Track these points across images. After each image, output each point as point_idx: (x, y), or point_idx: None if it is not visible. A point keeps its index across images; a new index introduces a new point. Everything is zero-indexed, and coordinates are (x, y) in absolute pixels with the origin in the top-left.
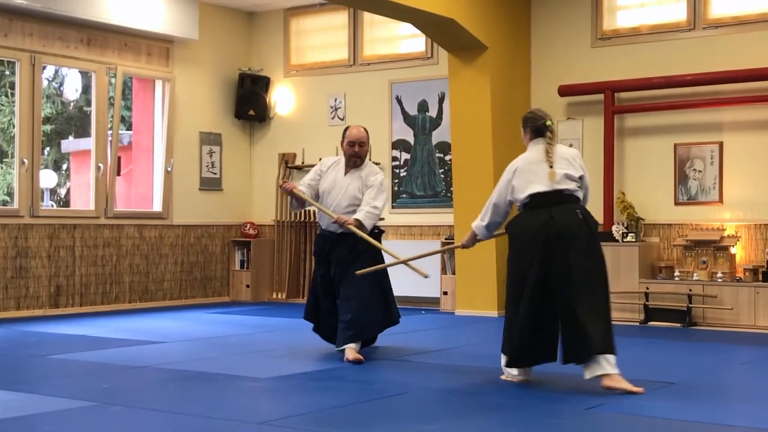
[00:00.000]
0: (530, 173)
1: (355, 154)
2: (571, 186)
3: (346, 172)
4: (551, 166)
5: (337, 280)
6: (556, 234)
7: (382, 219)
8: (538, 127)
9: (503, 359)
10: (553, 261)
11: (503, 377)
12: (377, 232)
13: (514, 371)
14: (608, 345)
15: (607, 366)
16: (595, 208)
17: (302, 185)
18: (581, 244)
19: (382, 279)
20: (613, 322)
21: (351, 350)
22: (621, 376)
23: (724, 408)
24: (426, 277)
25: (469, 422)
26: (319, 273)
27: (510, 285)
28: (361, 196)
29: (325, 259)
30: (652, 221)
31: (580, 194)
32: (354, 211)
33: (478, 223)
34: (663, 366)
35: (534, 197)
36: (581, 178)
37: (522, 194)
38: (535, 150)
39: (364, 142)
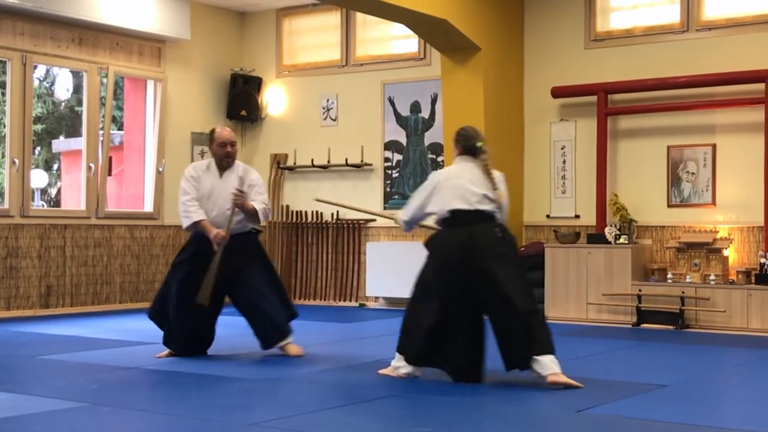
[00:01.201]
0: (453, 189)
1: (228, 155)
2: (490, 207)
3: (220, 175)
4: (495, 188)
5: (231, 283)
6: (476, 251)
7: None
8: (468, 147)
9: (399, 357)
10: (473, 276)
11: (383, 372)
12: (255, 232)
13: (407, 368)
14: (549, 347)
15: (552, 365)
16: (588, 209)
17: (193, 205)
18: (500, 258)
19: (276, 275)
20: (603, 324)
21: (292, 346)
22: (562, 372)
23: (717, 411)
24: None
25: (462, 424)
26: (183, 274)
27: (420, 291)
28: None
29: (203, 261)
30: (644, 223)
31: (498, 215)
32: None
33: (402, 217)
34: (655, 368)
35: (455, 214)
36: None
37: (443, 209)
38: (460, 166)
39: (234, 142)
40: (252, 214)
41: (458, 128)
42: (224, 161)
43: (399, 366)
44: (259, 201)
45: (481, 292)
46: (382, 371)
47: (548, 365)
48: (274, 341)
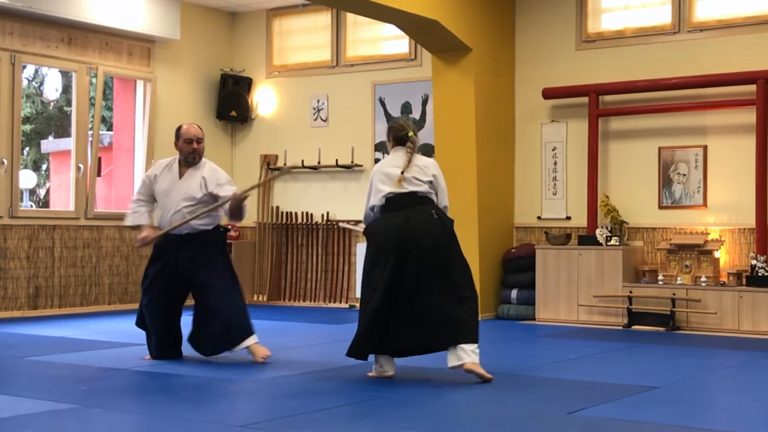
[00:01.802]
0: (385, 176)
1: (194, 151)
2: (422, 188)
3: (181, 174)
4: (402, 172)
5: (191, 288)
6: (412, 234)
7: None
8: (400, 137)
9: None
10: (408, 259)
11: (371, 374)
12: (223, 230)
13: (386, 368)
14: (473, 335)
15: (471, 355)
16: (579, 211)
17: (137, 207)
18: (437, 242)
19: (234, 279)
20: (594, 326)
21: (258, 347)
22: (479, 364)
23: (708, 413)
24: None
25: (452, 426)
26: (151, 294)
27: (365, 285)
28: (199, 196)
29: (166, 261)
30: (636, 225)
31: (434, 197)
32: (192, 211)
33: (364, 223)
34: (646, 370)
35: (390, 199)
36: (431, 182)
37: (378, 196)
38: (393, 156)
39: (201, 138)
40: (238, 210)
41: (390, 123)
42: (189, 158)
43: (377, 366)
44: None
45: (409, 277)
46: (370, 374)
47: (468, 354)
48: (236, 342)
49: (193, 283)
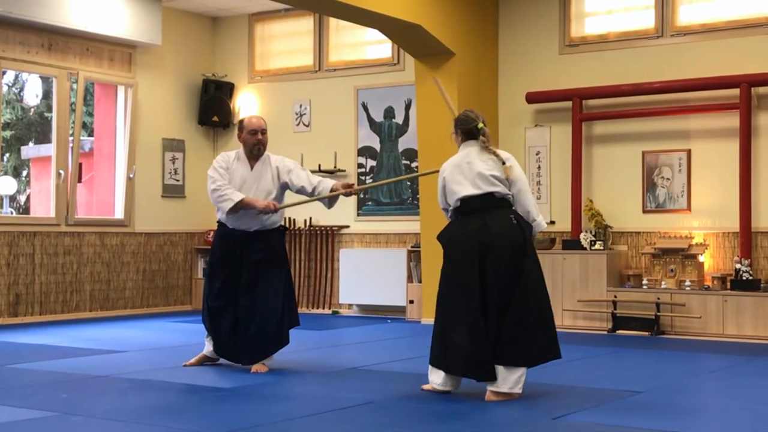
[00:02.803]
0: (460, 176)
1: (259, 142)
2: (500, 188)
3: (251, 167)
4: (504, 163)
5: (248, 284)
6: (489, 241)
7: (348, 227)
8: (469, 130)
9: (435, 370)
10: (489, 268)
11: (426, 387)
12: (282, 229)
13: (439, 382)
14: (556, 351)
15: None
16: (563, 215)
17: (227, 188)
18: (516, 251)
19: (289, 284)
20: (578, 331)
21: (260, 363)
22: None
23: (692, 417)
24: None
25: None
26: (218, 281)
27: (446, 295)
28: (274, 189)
29: (233, 262)
30: (620, 229)
31: (511, 199)
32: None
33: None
34: (631, 375)
35: (464, 201)
36: (509, 180)
37: (453, 198)
38: (464, 152)
39: (266, 129)
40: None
41: (457, 116)
42: (255, 149)
43: (435, 381)
44: (315, 179)
45: (491, 287)
46: (425, 387)
47: (512, 380)
48: (253, 361)
49: (250, 286)
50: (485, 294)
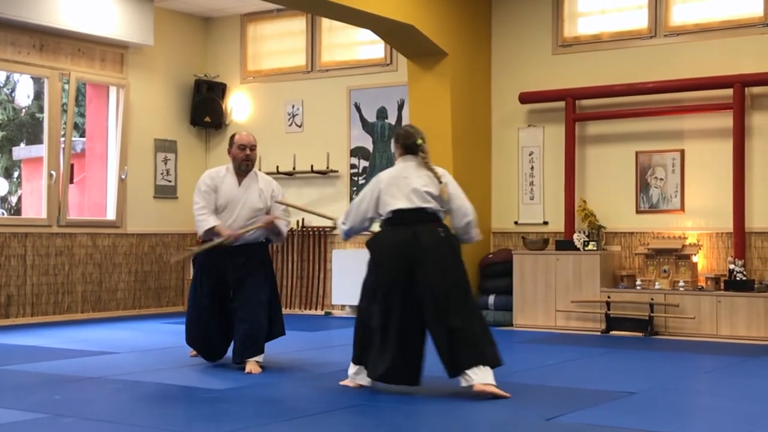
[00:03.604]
0: (395, 189)
1: (247, 158)
2: (433, 205)
3: (239, 182)
4: (440, 182)
5: (235, 286)
6: (419, 252)
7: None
8: (408, 145)
9: (356, 368)
10: (416, 279)
11: (344, 383)
12: (266, 242)
13: (363, 379)
14: (496, 358)
15: (487, 376)
16: (556, 216)
17: (203, 213)
18: (444, 263)
19: (273, 292)
20: (572, 332)
21: (254, 363)
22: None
23: (686, 418)
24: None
25: None
26: (205, 290)
27: (370, 300)
28: (261, 205)
29: (218, 273)
30: (613, 229)
31: (441, 215)
32: (252, 222)
33: (342, 226)
34: (624, 376)
35: (397, 213)
36: (446, 197)
37: (385, 209)
38: (402, 166)
39: (255, 145)
40: (276, 234)
41: (397, 130)
42: (243, 165)
43: (356, 376)
44: (284, 222)
45: (421, 295)
46: (343, 382)
47: (484, 375)
48: (245, 357)
49: (236, 289)
50: (411, 303)
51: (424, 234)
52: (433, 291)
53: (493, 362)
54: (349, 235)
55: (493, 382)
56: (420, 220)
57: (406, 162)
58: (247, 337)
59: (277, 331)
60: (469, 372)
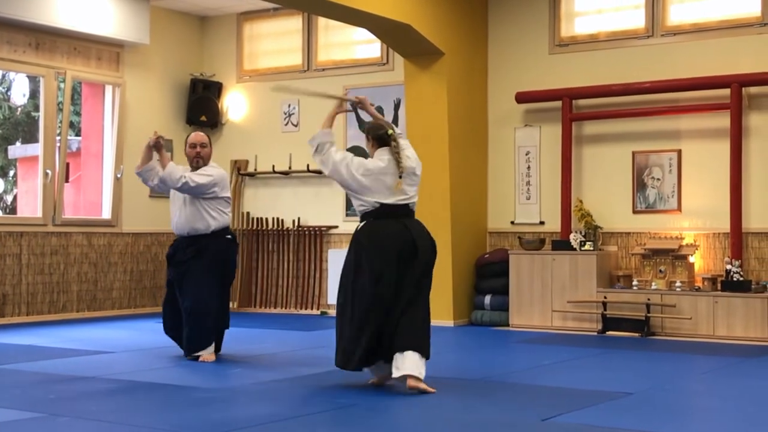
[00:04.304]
0: (379, 182)
1: (198, 155)
2: (415, 199)
3: None
4: (400, 176)
5: (177, 283)
6: (412, 244)
7: (336, 227)
8: (380, 136)
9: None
10: (404, 269)
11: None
12: (230, 238)
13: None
14: (428, 350)
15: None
16: (553, 215)
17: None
18: (429, 258)
19: (225, 286)
20: (568, 332)
21: (205, 354)
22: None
23: (683, 419)
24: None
25: None
26: (168, 280)
27: (356, 289)
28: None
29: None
30: (610, 230)
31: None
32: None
33: (331, 157)
34: (621, 376)
35: (385, 206)
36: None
37: (371, 198)
38: (385, 160)
39: (205, 143)
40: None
41: (365, 126)
42: (194, 162)
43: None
44: (180, 169)
45: (404, 283)
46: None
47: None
48: (193, 351)
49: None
50: (392, 292)
51: (414, 227)
52: (415, 280)
53: (428, 354)
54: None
55: (422, 375)
56: (407, 213)
57: (383, 155)
58: (189, 339)
59: (222, 325)
60: (400, 356)
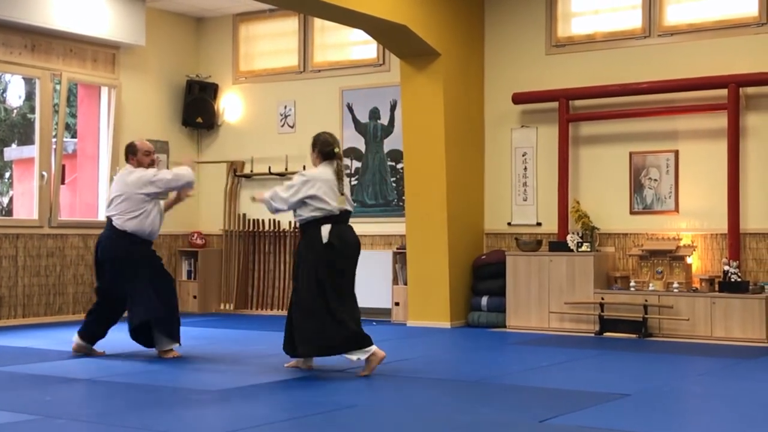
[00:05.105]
0: (331, 192)
1: (152, 162)
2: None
3: None
4: (342, 193)
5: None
6: (355, 246)
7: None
8: (327, 152)
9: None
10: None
11: (291, 365)
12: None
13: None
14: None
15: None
16: (550, 217)
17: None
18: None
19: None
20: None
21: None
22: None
23: (680, 420)
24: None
25: None
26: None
27: (321, 284)
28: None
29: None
30: (607, 231)
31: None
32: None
33: (281, 206)
34: (618, 378)
35: (338, 214)
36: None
37: (329, 206)
38: (328, 170)
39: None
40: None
41: (316, 136)
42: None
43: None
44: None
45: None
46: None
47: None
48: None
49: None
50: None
51: (353, 232)
52: (353, 280)
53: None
54: (278, 212)
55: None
56: (347, 219)
57: (329, 168)
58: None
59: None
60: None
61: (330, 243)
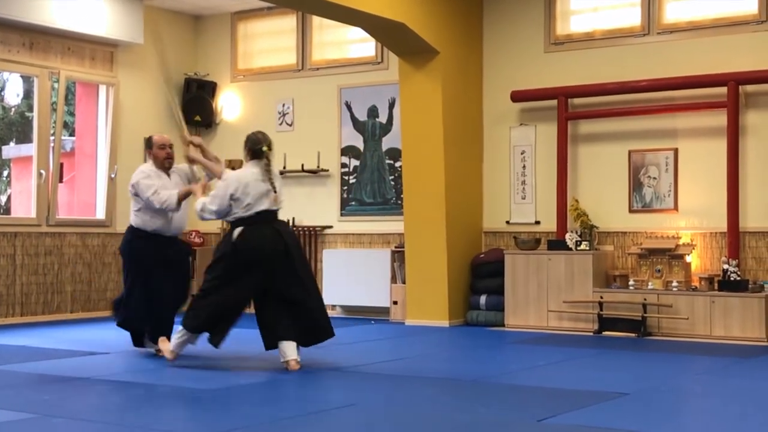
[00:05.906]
0: (255, 191)
1: (168, 155)
2: (281, 206)
3: (169, 177)
4: (275, 191)
5: (163, 280)
6: (285, 245)
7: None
8: (256, 150)
9: (186, 333)
10: (280, 266)
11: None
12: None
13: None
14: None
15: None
16: (548, 215)
17: (165, 190)
18: (300, 252)
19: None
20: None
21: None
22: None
23: (679, 419)
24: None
25: None
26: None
27: (224, 274)
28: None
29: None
30: (606, 229)
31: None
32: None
33: (211, 206)
34: (617, 377)
35: (260, 214)
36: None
37: (250, 210)
38: (256, 171)
39: (172, 144)
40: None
41: (248, 135)
42: (166, 162)
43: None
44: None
45: (283, 279)
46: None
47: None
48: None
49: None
50: (258, 285)
51: (285, 228)
52: (299, 273)
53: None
54: (210, 218)
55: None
56: (274, 218)
57: (256, 167)
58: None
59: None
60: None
61: (235, 245)
